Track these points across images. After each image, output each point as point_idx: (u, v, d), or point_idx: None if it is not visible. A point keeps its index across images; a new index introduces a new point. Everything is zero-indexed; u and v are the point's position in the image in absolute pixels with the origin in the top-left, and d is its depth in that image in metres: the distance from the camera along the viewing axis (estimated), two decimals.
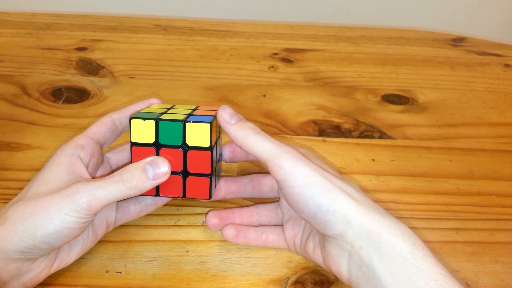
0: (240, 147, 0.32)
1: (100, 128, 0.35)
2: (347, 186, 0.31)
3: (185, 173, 0.34)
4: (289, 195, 0.31)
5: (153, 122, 0.32)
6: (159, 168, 0.31)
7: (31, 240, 0.29)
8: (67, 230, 0.29)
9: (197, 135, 0.32)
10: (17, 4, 0.73)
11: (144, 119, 0.32)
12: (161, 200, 0.38)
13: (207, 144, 0.32)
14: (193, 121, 0.32)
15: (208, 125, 0.32)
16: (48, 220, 0.29)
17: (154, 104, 0.37)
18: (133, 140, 0.33)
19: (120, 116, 0.37)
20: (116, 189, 0.30)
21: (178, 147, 0.33)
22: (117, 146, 0.40)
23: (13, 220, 0.29)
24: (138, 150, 0.33)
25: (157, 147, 0.33)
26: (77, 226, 0.30)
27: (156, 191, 0.34)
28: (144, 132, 0.33)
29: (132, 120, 0.33)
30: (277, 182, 0.31)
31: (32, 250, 0.29)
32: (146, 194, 0.33)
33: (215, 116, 0.34)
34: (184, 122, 0.32)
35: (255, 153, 0.31)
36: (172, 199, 0.39)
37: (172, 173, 0.33)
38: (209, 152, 0.33)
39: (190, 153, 0.33)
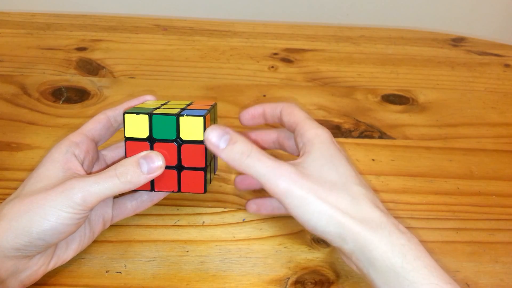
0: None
1: (94, 126, 0.35)
2: (343, 197, 0.30)
3: (179, 167, 0.33)
4: (288, 212, 0.31)
5: (146, 116, 0.32)
6: (153, 162, 0.31)
7: (26, 237, 0.29)
8: (62, 226, 0.29)
9: (191, 128, 0.32)
10: (17, 4, 0.73)
11: (137, 113, 0.32)
12: (157, 196, 0.37)
13: (201, 138, 0.32)
14: (187, 115, 0.32)
15: (202, 118, 0.32)
16: (44, 217, 0.29)
17: (148, 100, 0.37)
18: (127, 135, 0.33)
19: (114, 114, 0.36)
20: (110, 184, 0.30)
21: (172, 141, 0.33)
22: (112, 143, 0.39)
23: (9, 217, 0.29)
24: (132, 145, 0.33)
25: (151, 141, 0.33)
26: (72, 222, 0.30)
27: (151, 186, 0.34)
28: (137, 126, 0.33)
29: (125, 115, 0.33)
30: None
31: (28, 247, 0.29)
32: (141, 189, 0.33)
33: (209, 110, 0.34)
34: (178, 116, 0.32)
35: (251, 176, 0.31)
36: (171, 197, 0.39)
37: (167, 167, 0.32)
38: (203, 146, 0.33)
39: (184, 147, 0.33)
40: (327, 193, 0.30)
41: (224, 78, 0.58)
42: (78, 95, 0.54)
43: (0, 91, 0.53)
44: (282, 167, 0.31)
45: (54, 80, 0.56)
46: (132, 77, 0.57)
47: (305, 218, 0.30)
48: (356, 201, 0.31)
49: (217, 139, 0.31)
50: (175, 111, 0.33)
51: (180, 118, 0.32)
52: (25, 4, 0.73)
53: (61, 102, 0.52)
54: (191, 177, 0.34)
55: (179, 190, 0.34)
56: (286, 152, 0.39)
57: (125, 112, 0.33)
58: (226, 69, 0.60)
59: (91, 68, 0.58)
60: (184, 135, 0.33)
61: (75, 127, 0.48)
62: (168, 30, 0.68)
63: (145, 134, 0.33)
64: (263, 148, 0.39)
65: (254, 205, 0.39)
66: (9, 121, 0.49)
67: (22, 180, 0.32)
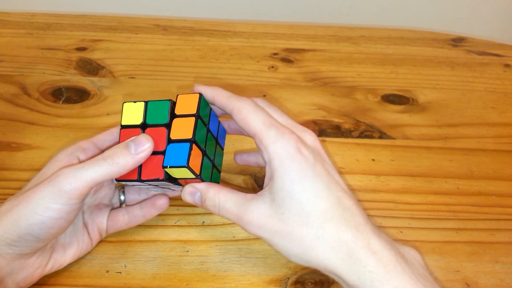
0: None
1: (106, 137, 0.36)
2: (307, 230, 0.30)
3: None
4: None
5: (143, 103, 0.34)
6: (141, 144, 0.32)
7: (15, 232, 0.29)
8: (50, 220, 0.29)
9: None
10: (17, 4, 0.73)
11: (135, 101, 0.35)
12: (150, 213, 0.37)
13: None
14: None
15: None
16: (32, 210, 0.29)
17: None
18: (123, 123, 0.34)
19: None
20: (97, 168, 0.30)
21: (163, 125, 0.33)
22: None
23: (1, 213, 0.30)
24: (125, 132, 0.34)
25: (143, 127, 0.34)
26: (60, 215, 0.30)
27: (138, 175, 0.33)
28: (134, 114, 0.34)
29: (124, 104, 0.34)
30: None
31: (18, 243, 0.29)
32: (127, 178, 0.33)
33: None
34: (172, 100, 0.34)
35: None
36: (171, 197, 0.39)
37: (155, 152, 0.33)
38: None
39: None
40: (291, 231, 0.30)
41: (224, 78, 0.58)
42: (78, 95, 0.54)
43: (0, 91, 0.53)
44: (246, 215, 0.31)
45: (54, 80, 0.56)
46: (132, 77, 0.57)
47: (277, 251, 0.32)
48: (322, 230, 0.30)
49: (192, 199, 0.34)
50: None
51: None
52: (25, 4, 0.73)
53: (61, 102, 0.52)
54: None
55: (166, 177, 0.33)
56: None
57: (124, 102, 0.35)
58: (226, 69, 0.60)
59: (91, 68, 0.58)
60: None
61: (75, 127, 0.49)
62: (168, 30, 0.68)
63: (139, 120, 0.34)
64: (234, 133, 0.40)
65: (239, 157, 0.40)
66: (9, 121, 0.49)
67: (22, 180, 0.32)
